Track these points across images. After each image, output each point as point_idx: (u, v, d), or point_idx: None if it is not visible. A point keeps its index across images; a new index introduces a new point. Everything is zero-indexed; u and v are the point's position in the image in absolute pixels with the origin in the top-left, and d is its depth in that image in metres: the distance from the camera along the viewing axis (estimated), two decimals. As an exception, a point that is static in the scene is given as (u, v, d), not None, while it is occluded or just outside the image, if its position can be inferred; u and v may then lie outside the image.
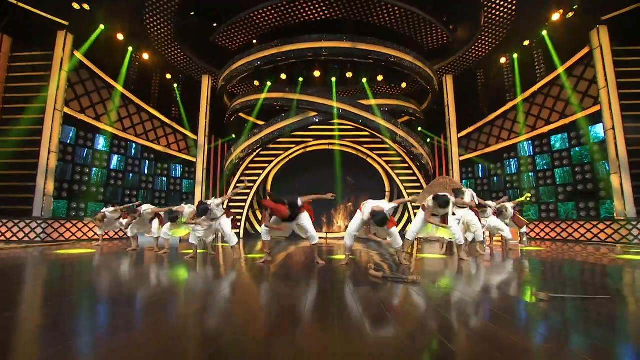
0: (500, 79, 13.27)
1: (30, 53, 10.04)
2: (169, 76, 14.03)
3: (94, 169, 11.26)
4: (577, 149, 10.62)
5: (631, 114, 9.10)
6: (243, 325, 1.92)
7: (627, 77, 9.28)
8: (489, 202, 6.49)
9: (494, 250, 6.94)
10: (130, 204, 8.21)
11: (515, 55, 12.23)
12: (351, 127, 13.23)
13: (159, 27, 11.44)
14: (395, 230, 4.45)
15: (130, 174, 12.46)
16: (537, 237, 10.85)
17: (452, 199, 4.86)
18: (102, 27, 10.69)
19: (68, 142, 10.42)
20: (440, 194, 4.75)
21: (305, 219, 4.65)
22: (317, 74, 12.06)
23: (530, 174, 12.03)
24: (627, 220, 8.80)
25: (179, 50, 12.83)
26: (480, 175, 13.89)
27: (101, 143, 11.59)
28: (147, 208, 7.05)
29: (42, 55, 9.95)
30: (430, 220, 4.75)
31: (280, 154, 13.42)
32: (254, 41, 12.66)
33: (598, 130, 9.89)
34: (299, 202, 4.57)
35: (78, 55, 10.48)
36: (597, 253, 6.32)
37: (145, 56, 12.68)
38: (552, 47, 10.78)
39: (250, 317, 2.13)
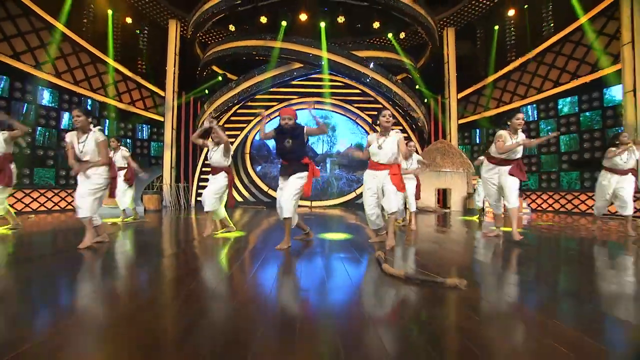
0: (506, 35, 11.97)
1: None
2: (129, 20, 11.92)
3: (39, 128, 9.54)
4: (587, 113, 9.73)
5: (656, 74, 8.13)
6: None
7: (656, 30, 8.19)
8: None
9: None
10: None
11: (526, 6, 10.87)
12: (340, 84, 11.77)
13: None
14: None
15: (87, 135, 10.75)
16: (539, 208, 10.21)
17: None
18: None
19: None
20: None
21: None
22: (303, 17, 10.27)
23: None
24: None
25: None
26: (477, 141, 13.01)
27: (46, 97, 9.76)
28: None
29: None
30: None
31: (261, 113, 11.88)
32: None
33: (615, 92, 8.96)
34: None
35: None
36: (604, 228, 5.64)
37: (97, -8, 10.55)
38: (572, -5, 9.49)
39: None
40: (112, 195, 3.59)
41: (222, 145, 4.39)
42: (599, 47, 9.10)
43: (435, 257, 3.23)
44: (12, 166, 4.67)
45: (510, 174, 4.01)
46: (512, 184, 4.02)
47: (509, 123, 4.09)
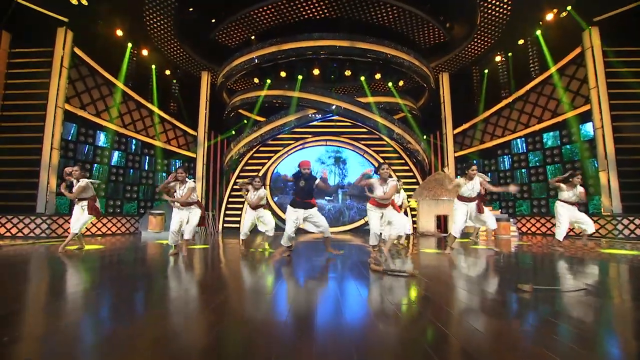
0: (496, 77, 13.51)
1: (30, 49, 10.06)
2: (168, 72, 14.07)
3: (95, 165, 11.37)
4: (567, 146, 10.96)
5: (619, 114, 9.43)
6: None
7: (617, 77, 9.56)
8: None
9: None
10: None
11: (510, 54, 12.48)
12: (349, 124, 13.45)
13: (158, 23, 11.49)
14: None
15: (131, 170, 12.57)
16: (529, 231, 11.23)
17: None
18: (101, 23, 10.74)
19: (69, 138, 10.51)
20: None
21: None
22: (316, 72, 12.22)
23: (523, 170, 12.38)
24: (613, 215, 9.18)
25: (178, 47, 12.88)
26: (475, 171, 14.19)
27: (102, 139, 11.68)
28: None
29: (42, 52, 9.97)
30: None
31: (280, 150, 13.62)
32: (252, 37, 12.75)
33: (588, 129, 10.23)
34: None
35: (78, 52, 10.51)
36: (584, 247, 6.67)
37: (145, 52, 12.72)
38: (545, 47, 11.05)
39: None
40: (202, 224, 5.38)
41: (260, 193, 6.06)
42: (564, 94, 10.67)
43: (411, 261, 4.54)
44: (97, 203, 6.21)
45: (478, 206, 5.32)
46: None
47: (466, 172, 5.30)
